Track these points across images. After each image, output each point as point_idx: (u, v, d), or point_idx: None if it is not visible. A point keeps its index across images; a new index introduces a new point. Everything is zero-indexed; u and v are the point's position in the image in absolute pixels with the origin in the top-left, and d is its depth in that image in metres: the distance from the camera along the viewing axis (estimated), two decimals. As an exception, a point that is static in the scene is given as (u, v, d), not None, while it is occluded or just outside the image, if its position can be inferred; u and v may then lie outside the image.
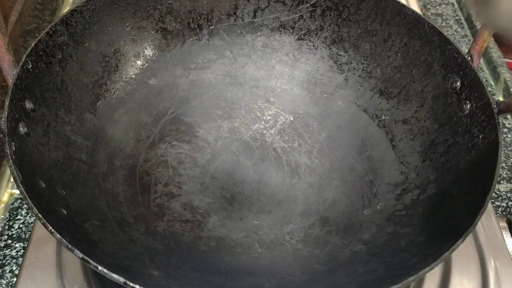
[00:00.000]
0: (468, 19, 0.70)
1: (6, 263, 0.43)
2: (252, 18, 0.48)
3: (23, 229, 0.46)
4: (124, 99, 0.44)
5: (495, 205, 0.49)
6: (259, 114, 0.48)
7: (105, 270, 0.28)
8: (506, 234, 0.44)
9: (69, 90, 0.40)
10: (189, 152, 0.45)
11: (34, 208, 0.30)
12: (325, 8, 0.47)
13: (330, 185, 0.44)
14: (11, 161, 0.32)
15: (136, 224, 0.39)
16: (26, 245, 0.42)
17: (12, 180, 0.49)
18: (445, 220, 0.35)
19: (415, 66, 0.44)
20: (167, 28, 0.47)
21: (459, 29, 0.69)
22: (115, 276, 0.28)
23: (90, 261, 0.29)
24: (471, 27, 0.69)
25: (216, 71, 0.49)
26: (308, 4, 0.47)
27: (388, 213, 0.40)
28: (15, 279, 0.41)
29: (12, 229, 0.46)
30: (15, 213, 0.47)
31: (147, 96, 0.46)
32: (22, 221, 0.46)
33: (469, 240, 0.42)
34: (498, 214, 0.47)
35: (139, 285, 0.28)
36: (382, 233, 0.39)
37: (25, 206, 0.47)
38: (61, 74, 0.40)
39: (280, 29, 0.49)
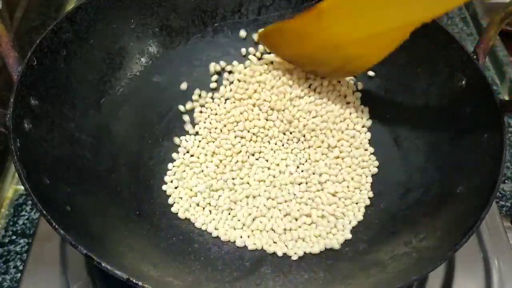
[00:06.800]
0: (474, 17, 0.69)
1: (11, 259, 0.43)
2: (256, 16, 0.48)
3: (28, 225, 0.46)
4: (128, 96, 0.45)
5: (499, 204, 0.49)
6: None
7: (109, 267, 0.29)
8: (510, 234, 0.44)
9: (73, 87, 0.40)
10: (193, 149, 0.45)
11: (39, 204, 0.30)
12: (330, 6, 0.47)
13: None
14: (15, 157, 0.32)
15: (139, 221, 0.39)
16: (30, 241, 0.42)
17: (16, 176, 0.50)
18: (449, 220, 0.35)
19: (420, 65, 0.44)
20: (171, 25, 0.47)
21: (464, 27, 0.69)
22: (118, 272, 0.28)
23: (94, 257, 0.29)
24: (477, 25, 0.68)
25: (220, 69, 0.49)
26: (313, 2, 0.47)
27: (391, 212, 0.40)
28: (19, 274, 0.41)
29: (17, 225, 0.46)
30: (19, 209, 0.47)
31: (151, 93, 0.46)
32: (26, 217, 0.47)
33: (472, 240, 0.42)
34: (502, 214, 0.47)
35: (142, 281, 0.28)
36: (385, 232, 0.39)
37: (29, 202, 0.48)
38: (66, 71, 0.40)
39: (285, 26, 0.49)
